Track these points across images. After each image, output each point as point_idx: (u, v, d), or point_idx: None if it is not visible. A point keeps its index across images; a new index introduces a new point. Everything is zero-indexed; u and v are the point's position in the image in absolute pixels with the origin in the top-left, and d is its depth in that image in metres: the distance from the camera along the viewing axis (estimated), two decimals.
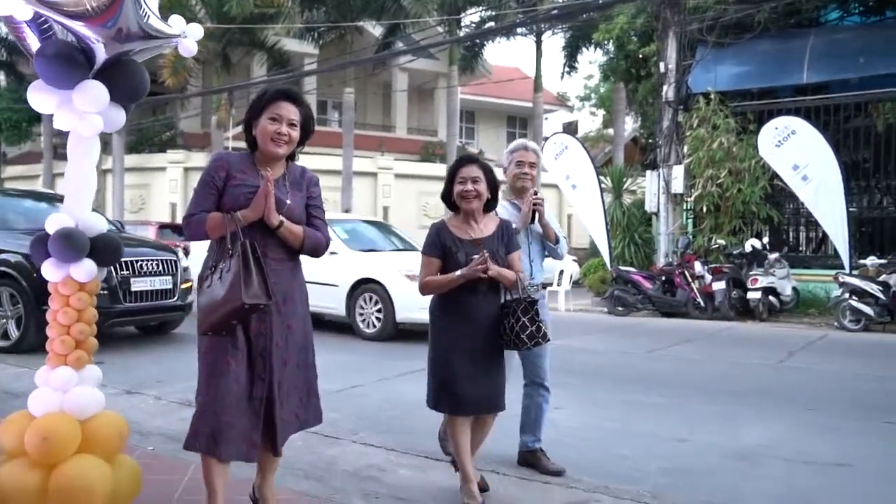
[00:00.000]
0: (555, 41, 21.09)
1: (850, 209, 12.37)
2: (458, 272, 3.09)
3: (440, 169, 22.64)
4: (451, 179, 3.28)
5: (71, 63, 2.42)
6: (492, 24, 21.81)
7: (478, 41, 22.71)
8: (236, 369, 2.53)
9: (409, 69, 25.27)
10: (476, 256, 3.06)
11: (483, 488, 3.31)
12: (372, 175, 22.44)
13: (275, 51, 21.16)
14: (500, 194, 3.41)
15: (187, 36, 2.60)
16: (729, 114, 13.28)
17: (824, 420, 5.13)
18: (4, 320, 6.91)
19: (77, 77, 2.44)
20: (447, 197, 3.30)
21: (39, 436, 2.32)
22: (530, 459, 3.72)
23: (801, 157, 11.85)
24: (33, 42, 2.49)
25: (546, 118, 28.12)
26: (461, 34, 22.68)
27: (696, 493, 3.51)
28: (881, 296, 10.75)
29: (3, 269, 6.95)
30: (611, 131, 26.51)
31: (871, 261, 11.79)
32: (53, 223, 2.48)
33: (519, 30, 22.23)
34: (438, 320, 3.25)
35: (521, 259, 3.35)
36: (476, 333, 3.15)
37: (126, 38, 2.41)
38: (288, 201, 2.69)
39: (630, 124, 27.33)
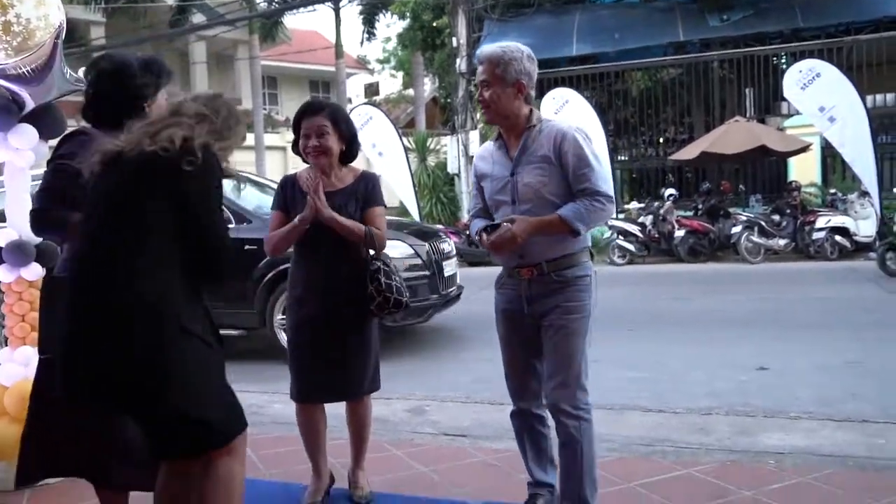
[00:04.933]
0: (353, 8, 21.88)
1: (621, 159, 14.72)
2: (296, 218, 2.77)
3: (248, 139, 22.79)
4: (296, 130, 2.89)
5: (7, 113, 3.09)
6: None
7: (277, 7, 22.91)
8: None
9: (207, 37, 24.85)
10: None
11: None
12: None
13: None
14: None
15: None
16: None
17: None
18: None
19: (12, 122, 3.12)
20: (297, 147, 2.90)
21: (20, 397, 3.06)
22: None
23: (574, 121, 13.87)
24: None
25: (348, 77, 28.90)
26: (259, 0, 22.76)
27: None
28: (640, 234, 13.11)
29: None
30: (411, 92, 27.89)
31: (633, 205, 14.25)
32: (4, 236, 3.18)
33: None
34: (289, 297, 2.96)
35: (381, 216, 2.92)
36: (323, 306, 2.80)
37: (50, 90, 3.15)
38: None
39: (429, 85, 28.89)
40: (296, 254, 2.93)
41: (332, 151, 2.83)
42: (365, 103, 18.88)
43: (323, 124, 2.79)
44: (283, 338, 5.79)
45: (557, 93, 14.05)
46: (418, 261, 6.11)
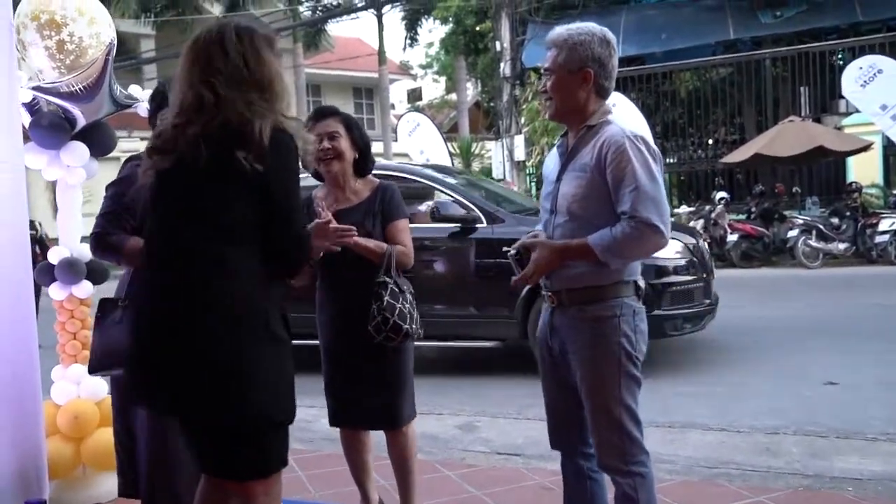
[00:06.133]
0: (395, 13, 21.96)
1: (669, 162, 14.43)
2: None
3: None
4: None
5: (60, 131, 3.09)
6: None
7: (321, 16, 23.15)
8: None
9: None
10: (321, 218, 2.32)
11: None
12: None
13: None
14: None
15: (143, 101, 3.32)
16: None
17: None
18: None
19: (64, 140, 3.12)
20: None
21: (72, 415, 3.05)
22: None
23: (636, 125, 13.68)
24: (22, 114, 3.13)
25: (391, 83, 28.98)
26: (303, 9, 23.01)
27: None
28: None
29: None
30: (454, 97, 27.86)
31: (683, 209, 13.91)
32: (55, 254, 3.17)
33: (359, 4, 22.91)
34: (318, 320, 2.75)
35: (404, 231, 2.66)
36: (347, 332, 2.61)
37: (101, 108, 3.13)
38: None
39: (472, 90, 28.82)
40: (320, 276, 2.70)
41: (346, 156, 2.60)
42: (411, 110, 18.92)
43: (335, 129, 2.59)
44: None
45: None
46: (691, 258, 5.27)
